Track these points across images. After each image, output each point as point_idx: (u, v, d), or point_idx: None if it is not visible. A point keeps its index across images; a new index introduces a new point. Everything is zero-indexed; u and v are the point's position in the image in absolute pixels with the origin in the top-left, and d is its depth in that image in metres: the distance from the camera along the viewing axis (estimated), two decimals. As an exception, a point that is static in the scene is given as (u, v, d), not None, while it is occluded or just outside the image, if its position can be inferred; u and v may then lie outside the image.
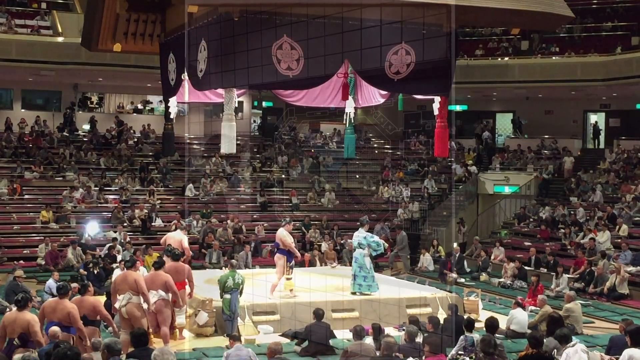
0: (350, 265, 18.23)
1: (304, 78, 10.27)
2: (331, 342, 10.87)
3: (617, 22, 26.90)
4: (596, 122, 28.60)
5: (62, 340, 8.15)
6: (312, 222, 21.70)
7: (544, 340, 9.08)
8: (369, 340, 9.36)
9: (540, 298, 12.89)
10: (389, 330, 11.22)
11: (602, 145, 28.06)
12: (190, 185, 22.83)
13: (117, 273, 15.51)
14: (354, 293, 13.29)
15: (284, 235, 13.00)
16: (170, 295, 11.03)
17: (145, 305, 10.66)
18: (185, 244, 13.54)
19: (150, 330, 10.83)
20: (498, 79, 25.71)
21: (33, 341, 8.44)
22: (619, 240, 18.65)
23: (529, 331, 11.11)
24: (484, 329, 9.47)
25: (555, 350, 8.89)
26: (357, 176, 26.42)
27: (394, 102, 13.72)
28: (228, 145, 10.39)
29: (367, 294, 13.26)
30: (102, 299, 12.52)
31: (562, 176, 25.32)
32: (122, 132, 26.04)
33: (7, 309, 12.52)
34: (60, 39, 23.21)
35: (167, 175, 23.65)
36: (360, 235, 13.52)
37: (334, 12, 9.91)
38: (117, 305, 10.69)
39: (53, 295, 12.19)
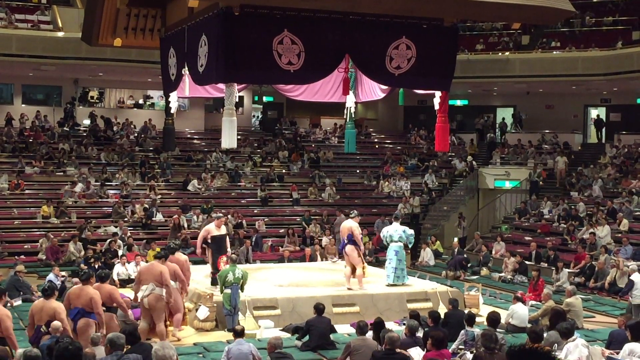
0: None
1: (304, 72, 10.26)
2: (332, 336, 10.87)
3: (617, 16, 26.89)
4: (598, 115, 28.57)
5: (65, 334, 8.23)
6: (312, 217, 21.71)
7: (545, 335, 9.09)
8: (369, 335, 9.37)
9: (545, 292, 12.86)
10: (390, 325, 11.22)
11: (603, 140, 28.06)
12: (195, 181, 22.83)
13: (117, 268, 15.63)
14: (394, 285, 13.57)
15: (356, 226, 13.23)
16: (178, 284, 11.29)
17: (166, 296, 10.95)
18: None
19: (168, 322, 11.14)
20: (499, 73, 25.71)
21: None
22: (620, 235, 18.67)
23: (529, 326, 11.11)
24: (486, 323, 9.48)
25: (556, 344, 8.90)
26: (358, 171, 26.42)
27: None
28: (229, 140, 10.39)
29: (402, 284, 13.66)
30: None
31: (555, 177, 24.91)
32: (111, 128, 25.91)
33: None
34: (60, 34, 23.20)
35: (168, 170, 23.66)
36: (399, 228, 13.85)
37: (335, 6, 9.90)
38: (139, 295, 10.92)
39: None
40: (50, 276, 14.53)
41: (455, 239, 20.85)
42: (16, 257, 17.92)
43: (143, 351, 7.73)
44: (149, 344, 8.55)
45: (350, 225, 13.22)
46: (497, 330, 9.27)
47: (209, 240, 13.17)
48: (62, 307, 9.09)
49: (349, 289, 13.08)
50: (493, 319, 9.38)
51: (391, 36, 10.56)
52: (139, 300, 10.97)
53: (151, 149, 25.01)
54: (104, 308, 9.78)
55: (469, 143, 28.26)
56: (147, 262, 14.43)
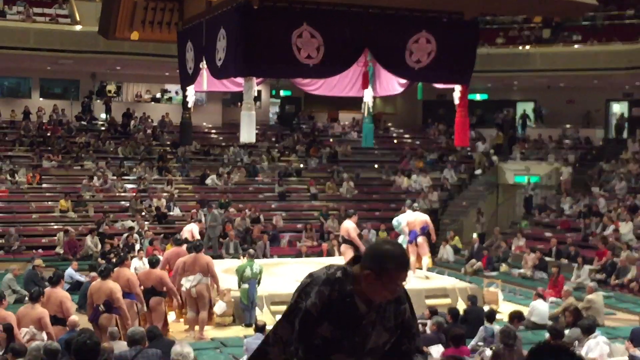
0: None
1: (323, 67, 10.15)
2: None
3: (640, 9, 26.54)
4: (622, 114, 28.11)
5: (86, 328, 8.28)
6: (330, 212, 21.60)
7: (567, 331, 8.98)
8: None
9: (566, 289, 12.76)
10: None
11: (624, 135, 27.72)
12: (214, 176, 22.78)
13: (135, 262, 15.60)
14: None
15: (428, 218, 14.62)
16: (209, 279, 11.42)
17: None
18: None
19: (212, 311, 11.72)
20: (519, 67, 25.41)
21: (116, 307, 9.59)
22: (641, 231, 18.47)
23: (549, 322, 11.00)
24: (509, 319, 9.41)
25: (577, 341, 8.80)
26: (376, 166, 26.28)
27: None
28: (248, 135, 10.30)
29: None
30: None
31: (559, 188, 23.98)
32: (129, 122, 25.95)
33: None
34: (78, 28, 23.19)
35: (186, 164, 23.63)
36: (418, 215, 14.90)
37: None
38: (186, 285, 11.27)
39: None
40: (69, 270, 14.55)
41: (475, 235, 20.68)
42: (34, 251, 17.98)
43: (163, 346, 7.73)
44: (169, 340, 8.60)
45: (424, 218, 14.46)
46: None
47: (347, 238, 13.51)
48: (118, 288, 9.71)
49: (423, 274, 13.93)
50: (516, 316, 9.33)
51: (411, 30, 10.42)
52: (183, 290, 11.32)
53: (168, 143, 25.00)
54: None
55: (493, 136, 27.88)
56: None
